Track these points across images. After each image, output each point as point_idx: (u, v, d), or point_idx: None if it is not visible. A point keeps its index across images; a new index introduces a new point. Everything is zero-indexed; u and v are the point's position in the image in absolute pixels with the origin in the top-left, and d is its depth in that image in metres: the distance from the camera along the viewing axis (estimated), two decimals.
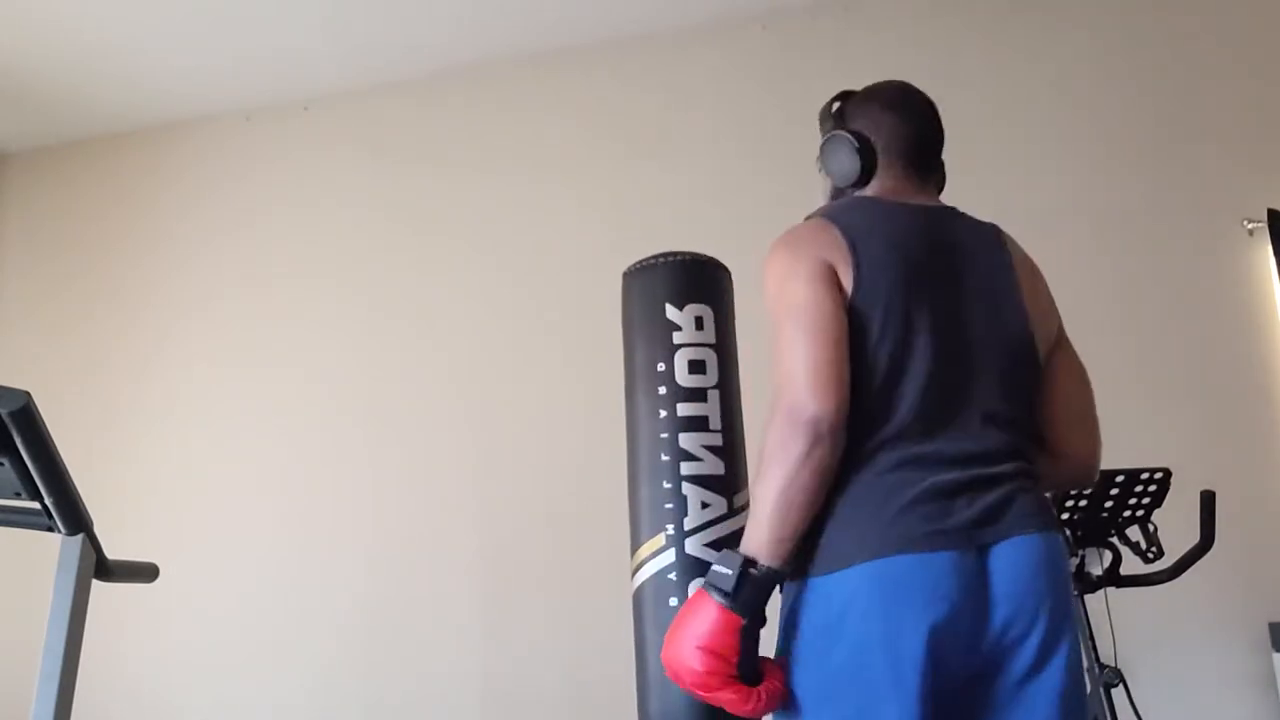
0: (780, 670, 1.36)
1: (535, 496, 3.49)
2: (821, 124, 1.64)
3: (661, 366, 2.18)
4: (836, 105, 1.64)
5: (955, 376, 1.41)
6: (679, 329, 2.20)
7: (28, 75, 3.86)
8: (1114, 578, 2.21)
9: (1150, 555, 2.17)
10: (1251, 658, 2.84)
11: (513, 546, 3.47)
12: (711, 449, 2.13)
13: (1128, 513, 2.16)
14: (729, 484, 2.12)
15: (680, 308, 2.20)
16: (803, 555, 1.36)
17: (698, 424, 2.13)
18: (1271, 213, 3.03)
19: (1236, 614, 2.87)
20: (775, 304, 1.42)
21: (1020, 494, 1.38)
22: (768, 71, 3.62)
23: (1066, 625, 1.35)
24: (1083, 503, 2.11)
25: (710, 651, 1.32)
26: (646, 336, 2.22)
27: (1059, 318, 1.56)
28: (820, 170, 1.62)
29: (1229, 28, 3.28)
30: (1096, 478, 1.60)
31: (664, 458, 2.13)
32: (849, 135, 1.55)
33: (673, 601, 2.04)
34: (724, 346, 2.21)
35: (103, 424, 3.96)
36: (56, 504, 1.47)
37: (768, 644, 1.34)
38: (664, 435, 2.14)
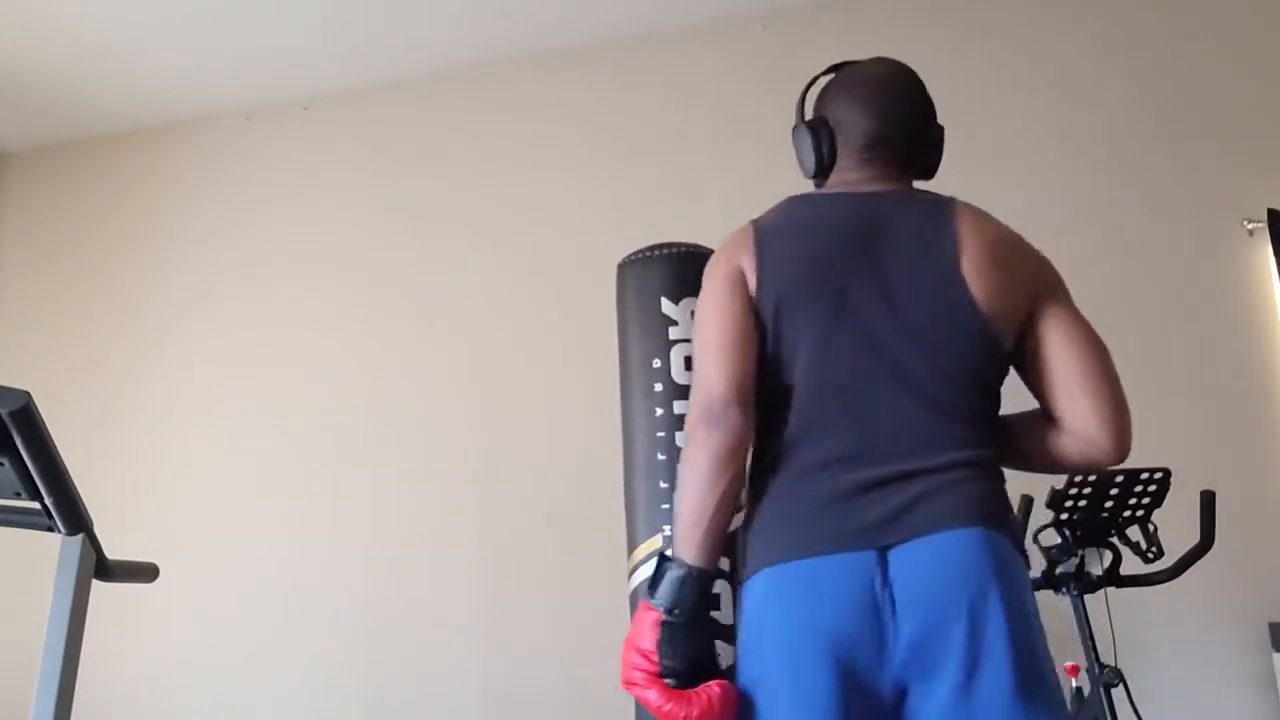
0: (729, 680, 1.32)
1: (535, 496, 3.49)
2: (797, 109, 1.62)
3: (657, 363, 2.13)
4: (814, 87, 1.61)
5: (870, 369, 1.35)
6: (675, 324, 2.14)
7: (28, 75, 3.86)
8: (1114, 578, 2.21)
9: (1150, 555, 2.17)
10: (1251, 658, 2.84)
11: (513, 546, 3.47)
12: None
13: (1128, 513, 2.16)
14: None
15: (676, 301, 2.15)
16: (737, 560, 1.37)
17: None
18: (1271, 213, 3.03)
19: (1236, 614, 2.87)
20: (696, 311, 1.47)
21: (945, 489, 1.30)
22: (768, 71, 3.62)
23: (998, 626, 1.23)
24: (1082, 503, 2.11)
25: (632, 648, 1.33)
26: (641, 332, 2.17)
27: (1049, 286, 1.45)
28: None
29: (1229, 28, 3.28)
30: (1115, 452, 1.41)
31: (660, 456, 2.10)
32: (807, 131, 1.54)
33: None
34: None
35: (103, 424, 3.96)
36: (56, 504, 1.47)
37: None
38: (660, 434, 2.11)
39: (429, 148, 3.94)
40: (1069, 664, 2.51)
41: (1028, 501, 2.16)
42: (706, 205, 3.51)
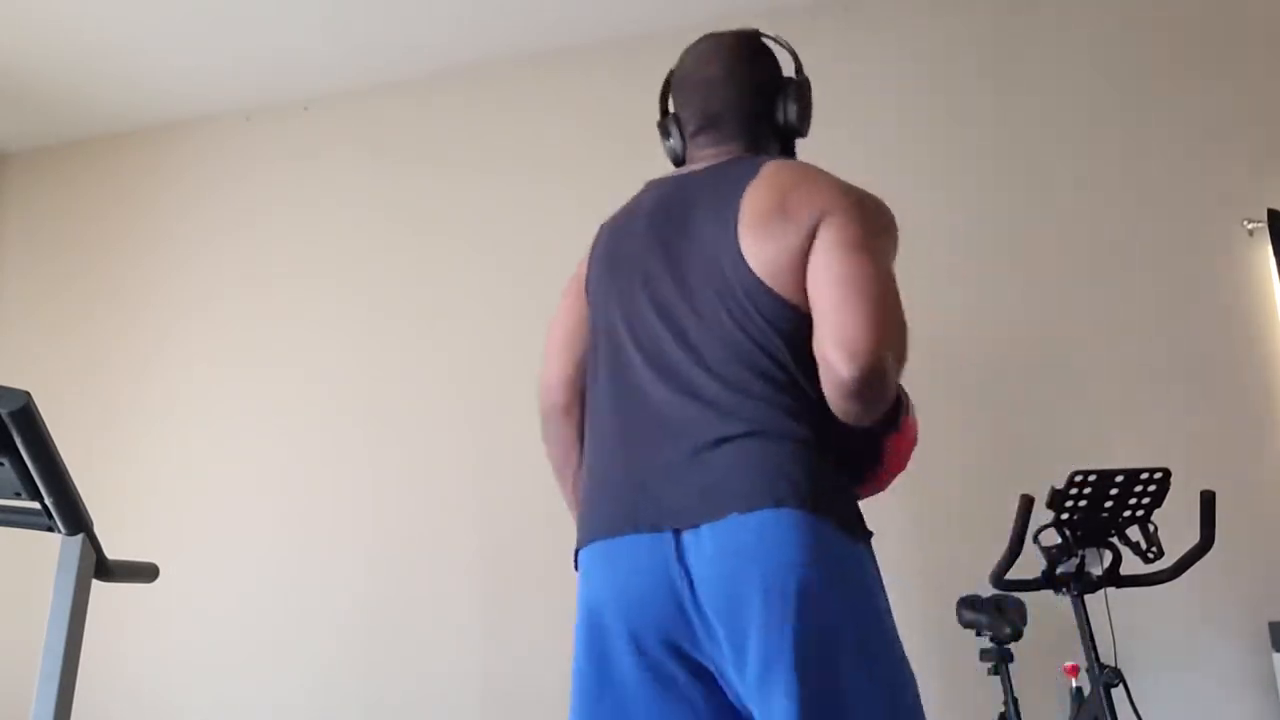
0: None
1: (535, 496, 3.47)
2: (660, 110, 1.72)
3: None
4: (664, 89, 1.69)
5: (660, 349, 1.37)
6: None
7: (28, 75, 3.86)
8: (1114, 578, 2.20)
9: (1150, 555, 2.17)
10: (1251, 658, 2.84)
11: (513, 546, 3.47)
12: None
13: (1127, 513, 2.16)
14: None
15: None
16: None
17: None
18: (1271, 213, 3.03)
19: (1236, 614, 2.87)
20: None
21: (735, 468, 1.25)
22: None
23: (785, 631, 1.16)
24: (1082, 503, 2.11)
25: None
26: None
27: (826, 220, 1.30)
28: None
29: (1229, 27, 3.28)
30: (843, 369, 1.19)
31: None
32: (660, 131, 1.66)
33: None
34: None
35: (103, 424, 3.96)
36: (56, 504, 1.47)
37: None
38: None
39: (429, 148, 3.94)
40: (1069, 664, 2.52)
41: (1028, 501, 2.15)
42: None
